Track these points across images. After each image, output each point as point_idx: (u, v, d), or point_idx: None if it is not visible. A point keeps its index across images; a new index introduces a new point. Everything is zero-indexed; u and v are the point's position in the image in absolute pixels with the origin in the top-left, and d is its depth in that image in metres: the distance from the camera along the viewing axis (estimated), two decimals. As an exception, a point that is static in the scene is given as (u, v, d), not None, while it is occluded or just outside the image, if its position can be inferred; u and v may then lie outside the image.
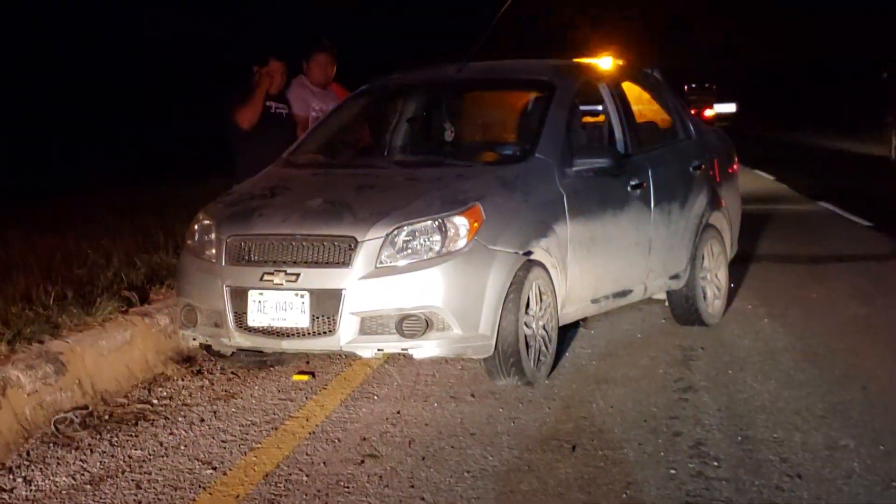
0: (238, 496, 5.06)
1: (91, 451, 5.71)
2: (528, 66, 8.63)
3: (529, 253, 6.66)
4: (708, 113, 49.10)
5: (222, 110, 8.83)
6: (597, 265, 7.37)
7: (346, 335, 6.24)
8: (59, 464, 5.52)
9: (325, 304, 6.25)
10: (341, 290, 6.23)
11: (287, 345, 6.42)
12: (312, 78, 9.29)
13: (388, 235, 6.29)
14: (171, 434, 5.99)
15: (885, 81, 27.48)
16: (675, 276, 8.24)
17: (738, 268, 10.26)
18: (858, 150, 33.50)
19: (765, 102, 65.90)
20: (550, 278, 6.87)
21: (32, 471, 5.41)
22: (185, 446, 5.78)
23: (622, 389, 6.75)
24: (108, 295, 7.51)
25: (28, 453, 5.65)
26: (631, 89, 8.52)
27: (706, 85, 56.42)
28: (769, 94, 67.52)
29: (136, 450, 5.73)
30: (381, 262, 6.27)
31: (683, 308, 8.43)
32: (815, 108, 56.31)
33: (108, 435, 5.97)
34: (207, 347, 6.86)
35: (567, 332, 7.91)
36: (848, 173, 25.27)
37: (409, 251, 6.32)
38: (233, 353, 6.93)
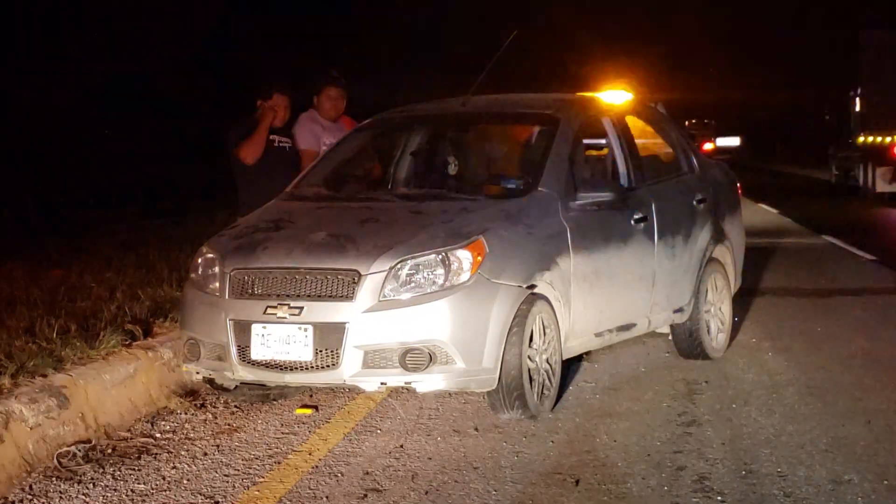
0: (240, 530, 5.05)
1: (94, 485, 5.70)
2: (532, 100, 8.66)
3: (533, 286, 6.66)
4: (707, 147, 49.74)
5: (225, 144, 8.83)
6: (600, 298, 7.36)
7: (349, 369, 6.24)
8: (61, 498, 5.51)
9: (329, 338, 6.25)
10: (345, 323, 6.23)
11: (290, 378, 6.41)
12: (323, 112, 9.26)
13: (391, 269, 6.30)
14: (173, 468, 5.98)
15: (828, 122, 33.62)
16: (679, 310, 8.23)
17: (742, 301, 10.26)
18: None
19: (769, 136, 66.59)
20: (554, 312, 6.87)
21: (35, 505, 5.41)
22: (188, 480, 5.77)
23: (626, 423, 6.73)
24: (111, 328, 7.51)
25: (31, 487, 5.64)
26: (634, 123, 8.54)
27: (705, 121, 57.93)
28: (774, 127, 68.26)
29: (138, 484, 5.71)
30: (384, 296, 6.27)
31: (687, 342, 8.42)
32: (818, 142, 57.96)
33: (111, 469, 5.95)
34: (211, 381, 6.85)
35: (570, 366, 7.90)
36: (852, 207, 25.28)
37: (413, 285, 6.32)
38: (236, 386, 6.93)
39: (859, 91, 28.28)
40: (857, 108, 28.56)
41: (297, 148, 9.02)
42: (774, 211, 24.24)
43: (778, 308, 10.84)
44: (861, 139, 27.77)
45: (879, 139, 26.96)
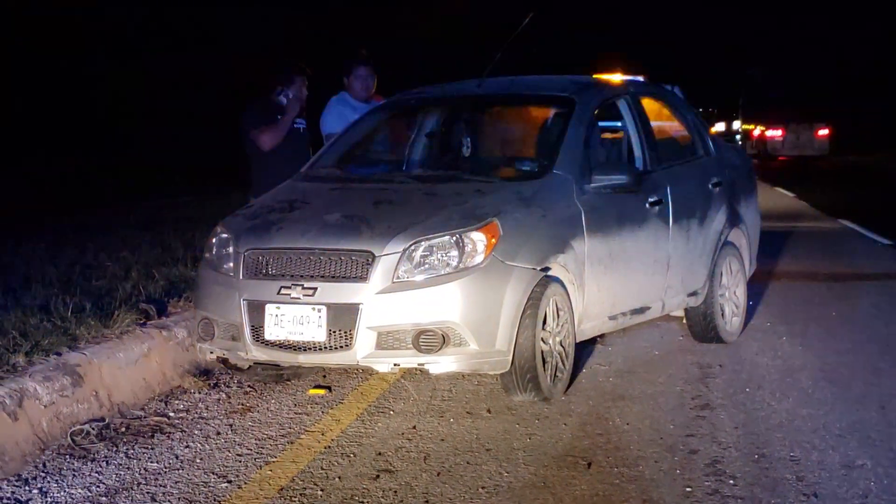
0: (253, 510, 5.07)
1: (107, 463, 5.73)
2: (548, 82, 8.61)
3: (547, 269, 6.65)
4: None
5: (240, 126, 8.83)
6: (614, 282, 7.35)
7: (362, 349, 6.24)
8: (74, 475, 5.53)
9: (342, 319, 6.26)
10: (358, 304, 6.23)
11: (304, 359, 6.42)
12: (354, 93, 9.24)
13: (405, 250, 6.30)
14: (186, 447, 6.00)
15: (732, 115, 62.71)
16: (694, 294, 8.22)
17: (756, 285, 10.24)
18: (880, 167, 33.48)
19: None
20: (568, 294, 6.86)
21: (48, 482, 5.43)
22: (201, 459, 5.79)
23: (639, 406, 6.73)
24: (126, 307, 7.53)
25: (44, 465, 5.67)
26: (650, 106, 8.51)
27: (710, 109, 64.05)
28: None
29: (151, 462, 5.74)
30: (398, 277, 6.27)
31: (701, 325, 8.40)
32: (836, 125, 60.18)
33: (125, 447, 5.98)
34: (224, 361, 6.85)
35: (584, 349, 7.90)
36: (868, 190, 25.24)
37: (427, 266, 6.32)
38: (249, 366, 6.94)
39: (741, 101, 54.50)
40: (741, 110, 54.87)
41: (322, 132, 9.03)
42: (791, 194, 24.19)
43: (793, 292, 10.81)
44: (743, 127, 53.43)
45: (748, 127, 51.84)
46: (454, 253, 6.34)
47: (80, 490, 5.33)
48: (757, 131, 50.62)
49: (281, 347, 6.42)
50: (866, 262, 13.11)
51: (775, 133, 47.63)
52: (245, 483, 5.41)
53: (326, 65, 9.55)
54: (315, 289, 6.32)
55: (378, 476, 5.47)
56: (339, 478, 5.46)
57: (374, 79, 9.31)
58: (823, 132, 47.74)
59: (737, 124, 64.20)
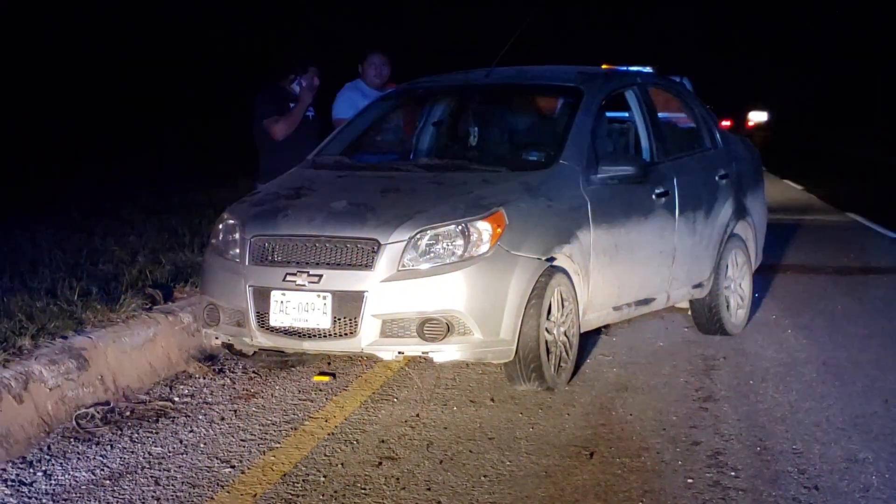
0: (255, 495, 5.08)
1: (111, 446, 5.75)
2: (556, 72, 8.61)
3: (552, 259, 6.66)
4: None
5: (253, 113, 8.83)
6: (620, 272, 7.35)
7: (367, 337, 6.26)
8: (79, 458, 5.56)
9: (347, 306, 6.27)
10: (363, 292, 6.25)
11: (308, 346, 6.44)
12: (367, 79, 9.27)
13: (411, 239, 6.31)
14: (191, 432, 6.02)
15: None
16: (699, 286, 8.22)
17: (762, 278, 10.24)
18: (891, 161, 33.47)
19: (799, 111, 69.40)
20: (573, 285, 6.87)
21: (53, 465, 5.45)
22: (205, 444, 5.81)
23: (642, 397, 6.74)
24: (132, 292, 7.55)
25: (49, 447, 5.69)
26: (659, 97, 8.50)
27: (707, 106, 64.61)
28: (803, 102, 71.53)
29: (155, 446, 5.76)
30: (403, 266, 6.28)
31: (706, 317, 8.41)
32: (848, 117, 62.00)
33: (129, 431, 6.00)
34: (229, 346, 6.88)
35: (588, 339, 7.91)
36: (878, 184, 25.21)
37: (432, 255, 6.33)
38: (254, 352, 6.95)
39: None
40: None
41: (333, 118, 9.05)
42: (799, 187, 24.17)
43: (799, 285, 10.81)
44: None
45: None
46: (460, 242, 6.35)
47: (84, 473, 5.36)
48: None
49: (286, 334, 6.43)
50: (873, 255, 13.10)
51: (726, 123, 60.85)
52: (248, 468, 5.43)
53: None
54: (320, 276, 6.34)
55: (381, 463, 5.49)
56: (342, 464, 5.48)
57: (388, 67, 9.32)
58: (751, 123, 66.57)
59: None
